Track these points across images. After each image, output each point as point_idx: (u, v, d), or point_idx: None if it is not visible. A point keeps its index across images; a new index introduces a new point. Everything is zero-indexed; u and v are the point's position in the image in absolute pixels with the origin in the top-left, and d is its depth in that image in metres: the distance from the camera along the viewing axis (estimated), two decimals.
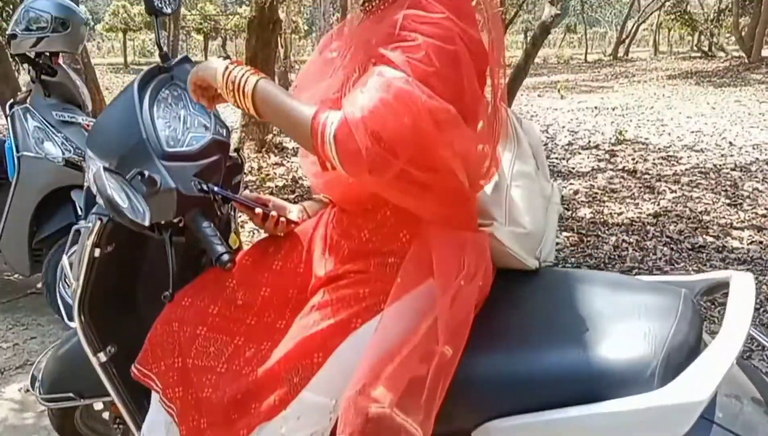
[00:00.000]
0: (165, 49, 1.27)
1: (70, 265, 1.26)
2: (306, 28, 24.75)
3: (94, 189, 0.97)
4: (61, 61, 2.88)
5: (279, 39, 8.77)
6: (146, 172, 1.02)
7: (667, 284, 1.07)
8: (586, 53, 27.60)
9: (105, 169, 0.93)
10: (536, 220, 1.19)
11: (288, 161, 6.60)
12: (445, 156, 0.96)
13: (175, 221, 1.10)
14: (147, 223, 0.93)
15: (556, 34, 40.62)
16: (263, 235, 1.32)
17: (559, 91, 13.93)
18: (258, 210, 1.23)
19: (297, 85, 1.27)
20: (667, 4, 24.31)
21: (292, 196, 5.44)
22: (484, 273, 1.10)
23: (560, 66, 23.91)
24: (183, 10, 15.57)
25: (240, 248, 1.40)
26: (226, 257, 1.06)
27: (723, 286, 1.05)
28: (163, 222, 1.09)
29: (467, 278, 1.05)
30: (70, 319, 1.27)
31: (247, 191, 1.32)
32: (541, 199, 1.23)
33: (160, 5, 1.27)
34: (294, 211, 1.31)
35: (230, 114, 8.00)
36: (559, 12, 6.47)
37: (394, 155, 0.92)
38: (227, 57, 1.22)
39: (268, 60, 6.77)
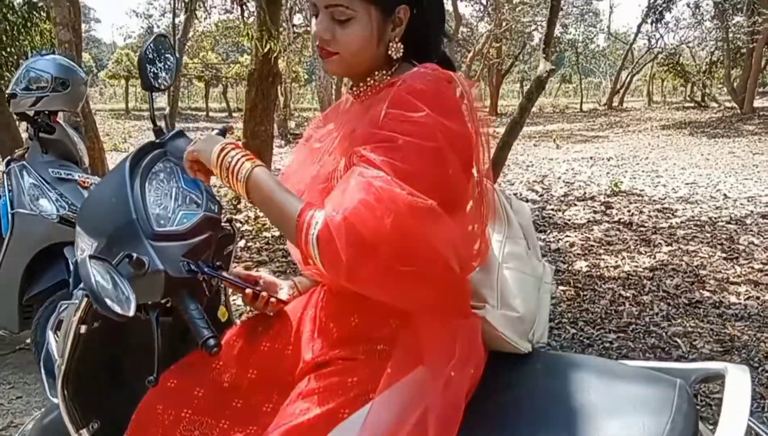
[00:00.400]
0: (159, 123, 1.28)
1: (56, 340, 1.24)
2: (306, 76, 25.18)
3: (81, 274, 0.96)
4: (59, 118, 2.91)
5: (279, 90, 8.89)
6: (134, 255, 1.01)
7: (662, 371, 1.05)
8: (581, 103, 28.05)
9: (90, 256, 0.92)
10: (528, 302, 1.18)
11: None
12: (433, 247, 0.96)
13: (163, 301, 1.09)
14: (131, 313, 0.92)
15: (552, 84, 41.36)
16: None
17: (554, 140, 14.10)
18: (248, 290, 1.22)
19: (284, 172, 1.28)
20: (660, 56, 24.81)
21: (286, 247, 5.43)
22: (476, 360, 1.09)
23: (556, 115, 24.27)
24: (185, 58, 15.85)
25: (229, 320, 1.38)
26: (212, 342, 1.04)
27: (718, 376, 1.04)
28: (149, 302, 1.08)
29: (459, 367, 1.03)
30: (53, 394, 1.24)
31: (239, 268, 1.30)
32: (533, 280, 1.22)
33: (155, 81, 1.29)
34: (285, 289, 1.30)
35: None
36: (554, 67, 6.59)
37: (375, 256, 0.92)
38: (224, 131, 1.22)
39: (268, 111, 6.86)
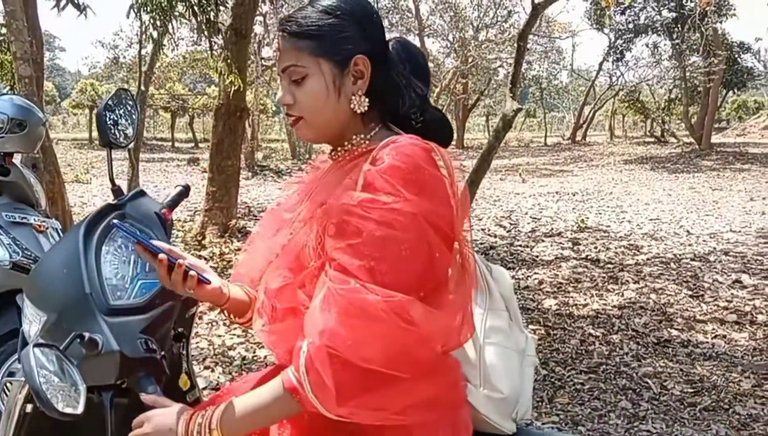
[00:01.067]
0: (118, 184, 1.20)
1: (6, 390, 1.14)
2: (274, 108, 25.16)
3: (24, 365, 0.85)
4: (15, 159, 2.79)
5: (246, 124, 8.82)
6: (86, 335, 0.92)
7: None
8: (545, 137, 28.58)
9: (35, 346, 0.83)
10: (513, 382, 1.12)
11: None
12: (422, 342, 0.92)
13: (118, 382, 1.00)
14: (79, 410, 0.83)
15: (517, 119, 41.98)
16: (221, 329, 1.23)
17: (520, 174, 14.27)
18: (162, 256, 1.04)
19: (251, 241, 1.24)
20: (621, 92, 25.50)
21: None
22: None
23: (521, 149, 24.66)
24: (151, 89, 15.64)
25: (193, 388, 1.29)
26: None
27: None
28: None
29: None
30: None
31: (166, 245, 1.10)
32: (516, 355, 1.16)
33: (115, 138, 1.22)
34: (212, 276, 1.14)
35: (194, 193, 7.91)
36: (521, 107, 6.68)
37: (364, 374, 0.89)
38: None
39: (235, 146, 6.78)
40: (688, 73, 20.35)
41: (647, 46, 23.35)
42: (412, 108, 1.10)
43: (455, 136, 24.43)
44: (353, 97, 1.06)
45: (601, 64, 24.94)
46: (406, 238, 0.92)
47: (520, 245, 6.90)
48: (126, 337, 0.97)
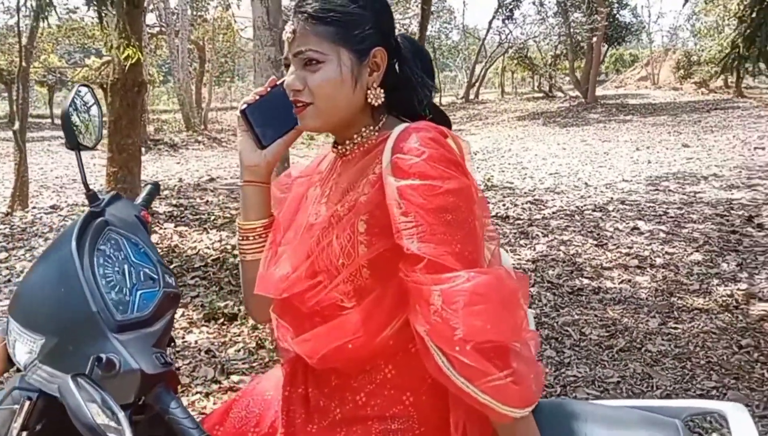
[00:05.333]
0: (92, 189, 1.12)
1: None
2: (161, 78, 23.95)
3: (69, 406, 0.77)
4: None
5: (145, 100, 8.38)
6: (103, 357, 0.88)
7: (658, 410, 1.09)
8: (440, 96, 29.03)
9: (73, 377, 0.78)
10: None
11: (161, 228, 6.24)
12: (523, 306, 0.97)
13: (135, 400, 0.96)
14: None
15: None
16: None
17: None
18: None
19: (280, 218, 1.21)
20: (510, 50, 26.28)
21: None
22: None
23: None
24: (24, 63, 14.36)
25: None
26: None
27: (714, 414, 1.10)
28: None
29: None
30: None
31: None
32: None
33: (81, 139, 1.14)
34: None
35: (92, 176, 7.43)
36: None
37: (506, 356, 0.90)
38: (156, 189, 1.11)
39: (134, 123, 6.43)
40: (572, 30, 21.27)
41: (534, 3, 24.15)
42: (422, 103, 1.11)
43: None
44: (369, 90, 1.05)
45: (490, 23, 25.54)
46: (468, 214, 0.95)
47: None
48: (141, 353, 0.93)
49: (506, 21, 24.53)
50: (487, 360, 0.88)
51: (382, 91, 1.06)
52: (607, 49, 25.26)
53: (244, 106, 1.15)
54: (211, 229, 5.96)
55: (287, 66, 1.06)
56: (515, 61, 27.62)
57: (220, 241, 5.63)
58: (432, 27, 28.10)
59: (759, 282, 4.35)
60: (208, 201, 7.81)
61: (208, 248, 5.46)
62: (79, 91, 1.17)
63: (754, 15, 3.44)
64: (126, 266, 1.05)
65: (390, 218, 0.98)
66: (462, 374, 0.89)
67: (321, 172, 1.20)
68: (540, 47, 27.09)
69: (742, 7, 3.71)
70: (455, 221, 0.93)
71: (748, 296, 4.14)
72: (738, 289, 4.26)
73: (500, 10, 24.06)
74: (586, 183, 8.15)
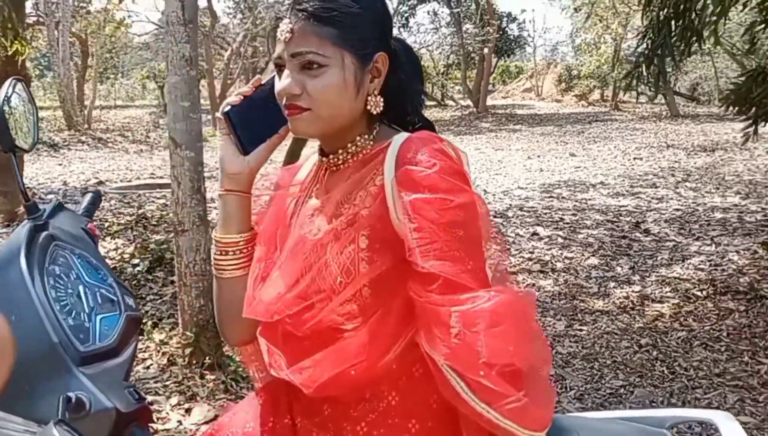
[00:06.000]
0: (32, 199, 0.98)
1: None
2: (38, 72, 22.25)
3: None
4: None
5: None
6: (72, 396, 0.75)
7: (647, 420, 1.11)
8: None
9: (56, 423, 0.65)
10: None
11: None
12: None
13: None
14: None
15: None
16: None
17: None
18: None
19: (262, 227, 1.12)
20: None
21: None
22: None
23: None
24: None
25: None
26: None
27: (702, 423, 1.13)
28: None
29: None
30: None
31: None
32: None
33: (17, 141, 0.99)
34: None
35: None
36: None
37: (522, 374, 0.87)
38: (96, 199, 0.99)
39: None
40: (464, 41, 21.98)
41: (428, 13, 24.73)
42: (417, 111, 1.06)
43: None
44: (370, 98, 0.99)
45: None
46: (476, 229, 0.92)
47: None
48: (112, 388, 0.81)
49: (402, 29, 24.97)
50: (509, 383, 0.85)
51: (381, 99, 1.00)
52: (497, 60, 26.31)
53: (228, 107, 1.06)
54: (105, 236, 5.56)
55: (279, 67, 0.98)
56: None
57: (116, 249, 5.28)
58: None
59: (650, 284, 4.65)
60: (100, 206, 7.31)
61: (104, 256, 5.10)
62: (14, 85, 1.01)
63: (653, 37, 3.69)
64: (81, 287, 0.92)
65: (391, 232, 0.93)
66: (483, 399, 0.85)
67: (300, 182, 1.12)
68: (433, 56, 27.80)
69: (644, 29, 3.97)
70: (466, 236, 0.90)
71: (642, 297, 4.41)
72: (633, 291, 4.54)
73: (396, 18, 24.43)
74: (484, 190, 8.40)
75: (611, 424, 1.12)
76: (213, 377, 3.08)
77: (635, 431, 1.06)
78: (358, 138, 1.02)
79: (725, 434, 1.06)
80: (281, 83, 0.96)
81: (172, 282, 4.27)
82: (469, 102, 22.36)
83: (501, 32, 22.08)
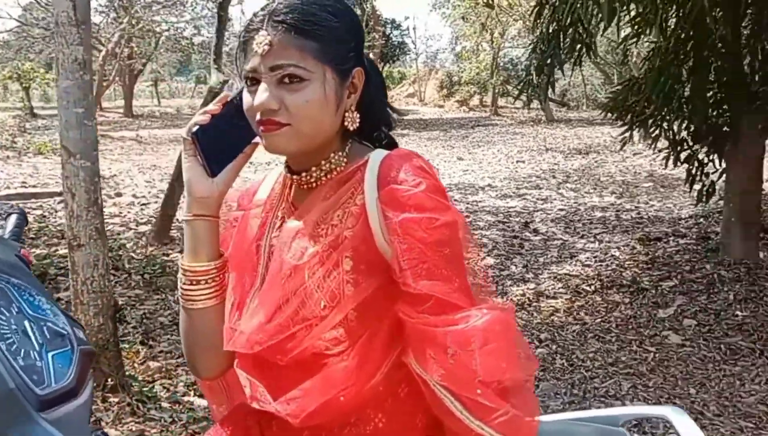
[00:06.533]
0: None
1: None
2: None
3: None
4: None
5: None
6: None
7: (602, 419, 1.15)
8: None
9: None
10: None
11: None
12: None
13: None
14: None
15: (187, 86, 40.78)
16: None
17: None
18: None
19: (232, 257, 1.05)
20: None
21: None
22: None
23: None
24: None
25: None
26: None
27: (657, 419, 1.19)
28: None
29: None
30: None
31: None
32: None
33: None
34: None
35: None
36: (227, 78, 6.52)
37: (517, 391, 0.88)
38: None
39: None
40: None
41: None
42: (389, 127, 1.05)
43: (124, 104, 22.55)
44: (347, 114, 0.96)
45: None
46: (460, 247, 0.92)
47: None
48: (77, 432, 0.73)
49: None
50: (504, 399, 0.86)
51: (358, 115, 0.98)
52: (383, 66, 26.73)
53: (195, 127, 0.99)
54: None
55: (253, 80, 0.93)
56: None
57: None
58: (209, 32, 27.21)
59: (543, 281, 4.90)
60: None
61: None
62: None
63: (544, 48, 3.91)
64: (26, 323, 0.82)
65: (375, 253, 0.91)
66: (477, 417, 0.86)
67: (262, 202, 1.07)
68: None
69: (535, 39, 4.19)
70: (452, 254, 0.90)
71: (537, 294, 4.64)
72: (528, 288, 4.76)
73: None
74: None
75: (570, 426, 1.17)
76: (117, 399, 2.89)
77: (594, 431, 1.11)
78: (332, 155, 0.99)
79: (678, 427, 1.14)
80: (258, 97, 0.91)
81: (59, 300, 3.97)
82: None
83: (386, 39, 22.47)
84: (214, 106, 1.00)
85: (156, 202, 7.60)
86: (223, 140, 0.98)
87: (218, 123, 0.98)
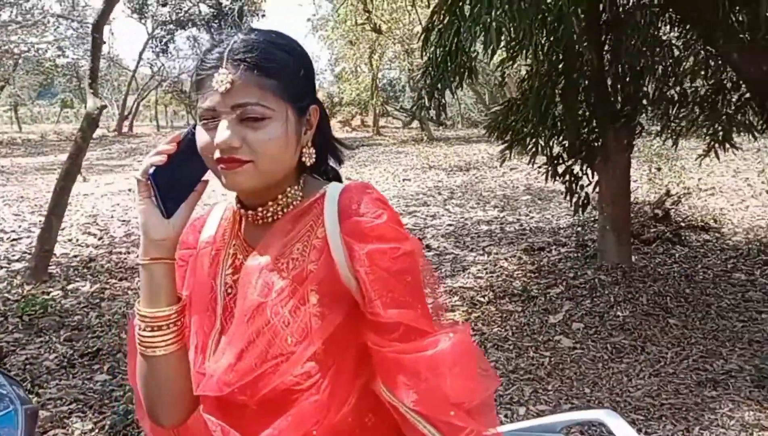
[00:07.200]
0: None
1: None
2: None
3: None
4: None
5: None
6: None
7: (540, 427, 1.21)
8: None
9: None
10: None
11: None
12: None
13: None
14: None
15: (51, 110, 38.15)
16: None
17: (81, 173, 13.11)
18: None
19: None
20: (165, 83, 25.62)
21: None
22: None
23: (63, 143, 22.46)
24: None
25: None
26: None
27: (590, 423, 1.27)
28: None
29: None
30: None
31: None
32: None
33: None
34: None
35: None
36: (105, 104, 6.21)
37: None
38: None
39: None
40: None
41: (188, 38, 23.97)
42: (341, 161, 1.07)
43: None
44: (304, 150, 0.97)
45: (141, 54, 24.54)
46: (419, 273, 0.95)
47: (122, 252, 6.47)
48: None
49: (160, 54, 23.94)
50: (471, 418, 0.90)
51: (314, 151, 0.99)
52: None
53: (152, 169, 0.95)
54: None
55: (209, 118, 0.91)
56: (170, 95, 27.07)
57: None
58: (75, 53, 25.72)
59: (440, 295, 5.05)
60: None
61: None
62: None
63: (433, 72, 4.08)
64: None
65: (339, 285, 0.93)
66: None
67: (210, 240, 1.05)
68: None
69: (424, 65, 4.37)
70: (413, 281, 0.93)
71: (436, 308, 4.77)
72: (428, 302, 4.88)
73: (151, 42, 23.36)
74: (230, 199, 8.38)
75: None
76: None
77: None
78: (288, 189, 0.99)
79: (614, 429, 1.23)
80: (220, 135, 0.89)
81: None
82: None
83: None
84: (168, 146, 0.97)
85: (28, 236, 7.06)
86: (175, 179, 0.96)
87: (175, 162, 0.97)
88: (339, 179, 1.08)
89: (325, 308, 0.94)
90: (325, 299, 0.94)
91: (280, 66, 0.93)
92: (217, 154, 0.91)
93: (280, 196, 0.99)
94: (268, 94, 0.91)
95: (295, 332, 0.93)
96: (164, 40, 23.21)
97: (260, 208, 0.99)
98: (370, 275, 0.91)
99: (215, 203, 1.11)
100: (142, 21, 22.30)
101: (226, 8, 18.96)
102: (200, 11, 21.00)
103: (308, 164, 0.99)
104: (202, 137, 0.93)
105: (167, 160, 0.96)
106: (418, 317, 0.92)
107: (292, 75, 0.94)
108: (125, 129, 26.06)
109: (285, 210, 0.99)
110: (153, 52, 24.14)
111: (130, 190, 11.17)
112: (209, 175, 0.99)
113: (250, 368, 0.93)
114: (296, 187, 1.01)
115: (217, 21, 19.95)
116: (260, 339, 0.93)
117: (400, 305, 0.91)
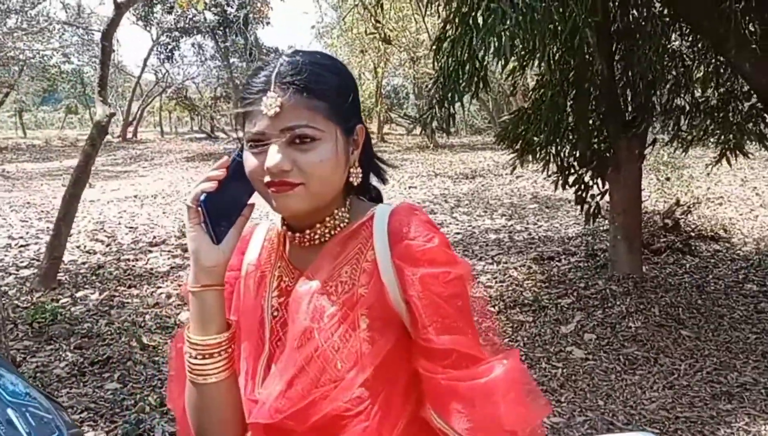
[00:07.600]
0: None
1: None
2: None
3: None
4: None
5: None
6: None
7: None
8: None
9: None
10: None
11: None
12: None
13: None
14: None
15: (54, 116, 38.22)
16: None
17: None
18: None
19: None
20: (169, 90, 25.67)
21: None
22: None
23: (68, 148, 22.51)
24: None
25: None
26: None
27: None
28: None
29: None
30: None
31: None
32: None
33: None
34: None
35: None
36: (114, 112, 6.22)
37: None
38: None
39: None
40: (233, 73, 21.81)
41: (193, 45, 24.08)
42: (385, 181, 1.06)
43: None
44: (352, 170, 0.97)
45: (145, 61, 24.58)
46: (468, 297, 0.94)
47: (129, 259, 6.46)
48: None
49: (165, 61, 24.00)
50: None
51: (361, 170, 0.99)
52: None
53: (203, 196, 0.95)
54: None
55: (259, 142, 0.91)
56: (174, 101, 27.11)
57: None
58: (80, 60, 25.83)
59: (490, 316, 5.03)
60: None
61: None
62: None
63: (444, 82, 4.08)
64: (9, 411, 0.74)
65: (389, 310, 0.92)
66: None
67: (256, 262, 1.04)
68: (200, 88, 27.09)
69: (436, 74, 4.37)
70: (464, 306, 0.93)
71: None
72: None
73: (156, 48, 23.42)
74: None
75: None
76: None
77: None
78: (336, 211, 0.99)
79: None
80: (272, 159, 0.89)
81: None
82: (241, 134, 22.11)
83: None
84: (218, 172, 0.97)
85: (36, 243, 7.06)
86: (223, 204, 0.96)
87: (219, 187, 0.96)
88: (381, 198, 1.07)
89: (376, 332, 0.93)
90: (376, 323, 0.93)
91: (328, 87, 0.92)
92: (267, 178, 0.90)
93: (328, 219, 0.98)
94: (318, 116, 0.91)
95: (345, 357, 0.92)
96: (169, 47, 23.27)
97: (308, 231, 0.99)
98: (423, 299, 0.90)
99: (256, 224, 1.10)
100: (147, 28, 22.34)
101: (231, 16, 19.03)
102: (205, 19, 21.03)
103: (355, 184, 0.99)
104: (251, 161, 0.92)
105: (218, 187, 0.96)
106: (470, 343, 0.91)
107: (340, 96, 0.94)
108: (129, 135, 26.09)
109: (333, 232, 0.99)
110: (158, 58, 24.19)
111: (136, 196, 11.19)
112: (255, 197, 0.98)
113: (302, 394, 0.92)
114: (343, 209, 1.00)
115: (222, 28, 20.02)
116: (311, 366, 0.92)
117: (452, 330, 0.90)
